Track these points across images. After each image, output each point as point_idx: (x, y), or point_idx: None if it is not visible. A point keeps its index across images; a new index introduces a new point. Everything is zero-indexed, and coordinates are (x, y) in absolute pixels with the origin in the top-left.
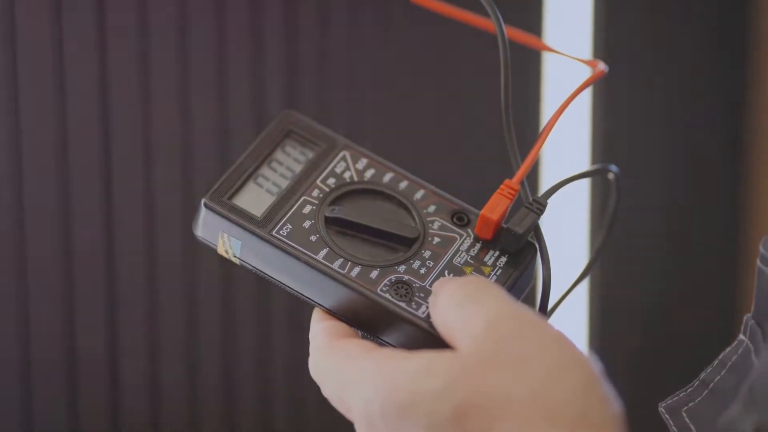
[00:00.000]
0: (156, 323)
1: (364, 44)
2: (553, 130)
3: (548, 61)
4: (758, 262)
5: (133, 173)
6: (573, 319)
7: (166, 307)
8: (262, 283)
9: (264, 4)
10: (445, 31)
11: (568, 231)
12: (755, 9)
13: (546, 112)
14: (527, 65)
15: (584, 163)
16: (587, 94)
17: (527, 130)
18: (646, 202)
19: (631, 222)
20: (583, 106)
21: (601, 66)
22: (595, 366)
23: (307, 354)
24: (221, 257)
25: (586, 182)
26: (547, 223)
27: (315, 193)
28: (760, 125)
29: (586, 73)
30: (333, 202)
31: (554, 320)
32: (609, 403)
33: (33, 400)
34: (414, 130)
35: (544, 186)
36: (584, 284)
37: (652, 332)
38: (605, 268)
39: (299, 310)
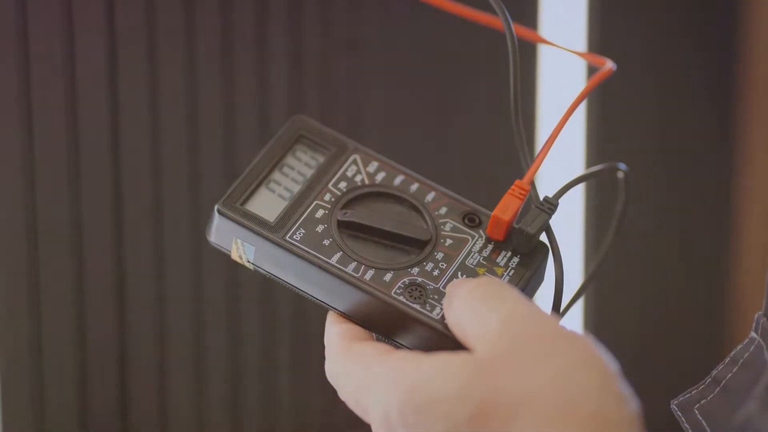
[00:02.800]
0: (164, 326)
1: (368, 46)
2: (563, 129)
3: (543, 56)
4: None
5: (141, 178)
6: (569, 319)
7: (173, 310)
8: (267, 287)
9: (268, 8)
10: (449, 30)
11: (563, 230)
12: (748, 6)
13: (541, 109)
14: (522, 61)
15: (579, 161)
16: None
17: (524, 128)
18: (641, 200)
19: (626, 221)
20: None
21: (610, 64)
22: (611, 364)
23: (312, 357)
24: (235, 263)
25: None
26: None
27: (327, 197)
28: (755, 124)
29: (584, 68)
30: (345, 206)
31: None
32: (625, 401)
33: (44, 402)
34: (420, 132)
35: (540, 185)
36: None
37: (647, 332)
38: (601, 268)
39: (304, 313)
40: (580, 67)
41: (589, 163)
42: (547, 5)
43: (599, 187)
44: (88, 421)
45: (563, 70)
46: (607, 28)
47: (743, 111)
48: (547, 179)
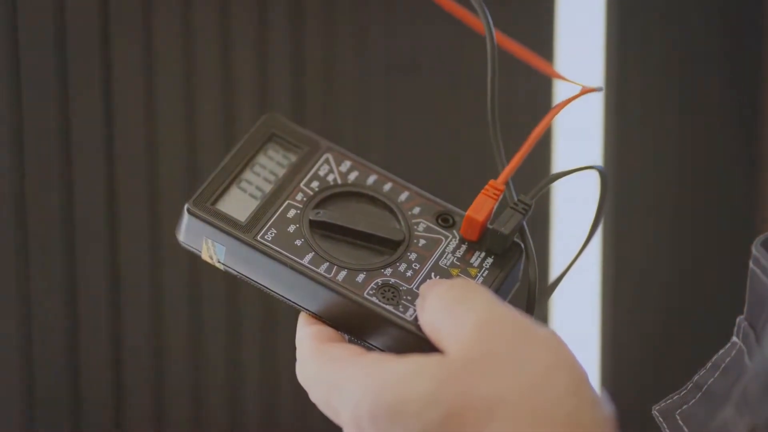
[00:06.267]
0: (160, 322)
1: (341, 46)
2: (543, 131)
3: (558, 57)
4: (750, 264)
5: (137, 173)
6: (586, 317)
7: (169, 306)
8: None
9: (268, 5)
10: (442, 30)
11: (579, 232)
12: None
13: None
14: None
15: (597, 160)
16: (599, 97)
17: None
18: (657, 205)
19: (644, 223)
20: (596, 110)
21: (597, 87)
22: (584, 368)
23: None
24: (206, 263)
25: (598, 183)
26: (560, 224)
27: (299, 196)
28: None
29: (602, 71)
30: (317, 206)
31: (568, 320)
32: (599, 406)
33: (36, 399)
34: (397, 132)
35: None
36: (596, 285)
37: (666, 333)
38: (618, 269)
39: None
40: (597, 71)
41: (607, 163)
42: (565, 14)
43: (617, 187)
44: (81, 417)
45: (580, 72)
46: (624, 34)
47: (765, 116)
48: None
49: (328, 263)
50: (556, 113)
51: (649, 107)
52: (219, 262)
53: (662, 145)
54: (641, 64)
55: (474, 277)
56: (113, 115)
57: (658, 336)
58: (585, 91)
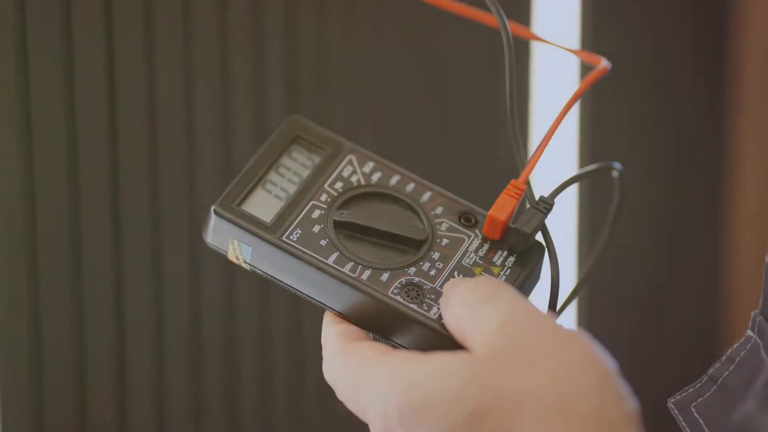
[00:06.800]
0: (161, 327)
1: (363, 46)
2: (558, 129)
3: (537, 56)
4: (766, 258)
5: (139, 179)
6: (563, 318)
7: (170, 311)
8: (263, 287)
9: (264, 8)
10: (445, 29)
11: (556, 230)
12: (739, 5)
13: (535, 108)
14: (516, 61)
15: (572, 160)
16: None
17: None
18: (633, 198)
19: (621, 225)
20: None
21: (604, 63)
22: (610, 363)
23: (308, 358)
24: (231, 263)
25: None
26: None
27: (323, 197)
28: (746, 121)
29: (577, 66)
30: (341, 206)
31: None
32: (624, 400)
33: (43, 400)
34: (416, 132)
35: (533, 185)
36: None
37: (641, 330)
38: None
39: (299, 313)
40: (573, 65)
41: (582, 160)
42: (540, 4)
43: (592, 186)
44: (87, 419)
45: (557, 69)
46: (599, 28)
47: (734, 108)
48: (539, 178)
49: (352, 263)
50: (569, 109)
51: (622, 102)
52: (245, 262)
53: (635, 143)
54: (614, 61)
55: (497, 276)
56: (117, 117)
57: (634, 337)
58: (593, 77)
